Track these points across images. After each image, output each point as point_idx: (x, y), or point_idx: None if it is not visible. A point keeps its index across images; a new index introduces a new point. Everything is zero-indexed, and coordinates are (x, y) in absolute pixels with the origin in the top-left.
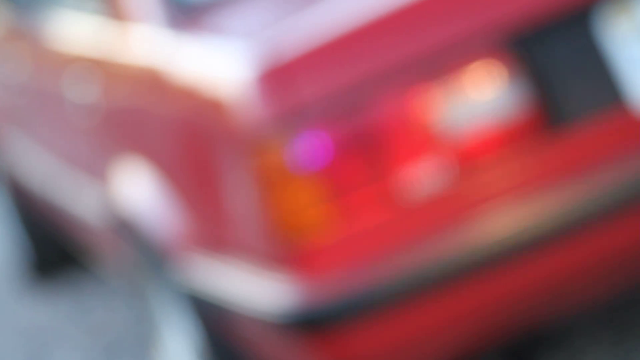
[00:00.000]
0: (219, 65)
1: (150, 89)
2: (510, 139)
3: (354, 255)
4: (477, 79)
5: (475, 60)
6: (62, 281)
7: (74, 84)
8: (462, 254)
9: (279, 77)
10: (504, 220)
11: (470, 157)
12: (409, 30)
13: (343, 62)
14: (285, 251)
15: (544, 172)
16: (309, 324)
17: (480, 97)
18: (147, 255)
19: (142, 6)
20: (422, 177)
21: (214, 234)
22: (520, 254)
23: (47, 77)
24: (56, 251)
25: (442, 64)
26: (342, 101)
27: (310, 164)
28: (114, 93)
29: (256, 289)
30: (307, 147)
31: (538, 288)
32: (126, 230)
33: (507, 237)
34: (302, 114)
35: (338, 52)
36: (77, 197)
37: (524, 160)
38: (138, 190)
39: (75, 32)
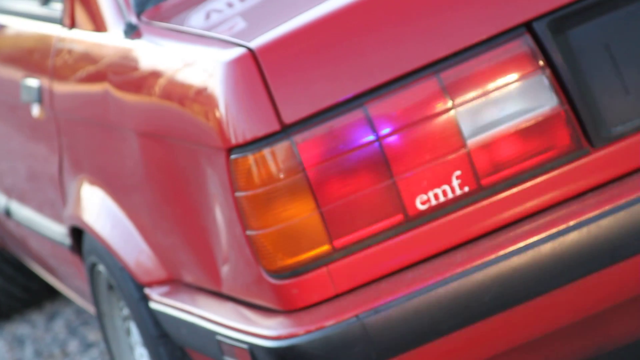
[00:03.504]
0: (193, 74)
1: (110, 103)
2: (541, 148)
3: (354, 287)
4: (499, 79)
5: (498, 55)
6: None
7: (28, 96)
8: (479, 294)
9: (266, 80)
10: (531, 246)
11: (495, 168)
12: (426, 25)
13: (342, 61)
14: (271, 280)
15: (582, 185)
16: None
17: (503, 100)
18: (117, 281)
19: (98, 14)
20: (436, 197)
21: (192, 259)
22: (544, 282)
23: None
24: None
25: (462, 61)
26: (343, 106)
27: (303, 182)
28: (71, 108)
29: (237, 321)
30: (298, 161)
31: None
32: (92, 255)
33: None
34: (291, 124)
35: (335, 51)
36: (40, 219)
37: (559, 170)
38: (102, 212)
39: (32, 43)
